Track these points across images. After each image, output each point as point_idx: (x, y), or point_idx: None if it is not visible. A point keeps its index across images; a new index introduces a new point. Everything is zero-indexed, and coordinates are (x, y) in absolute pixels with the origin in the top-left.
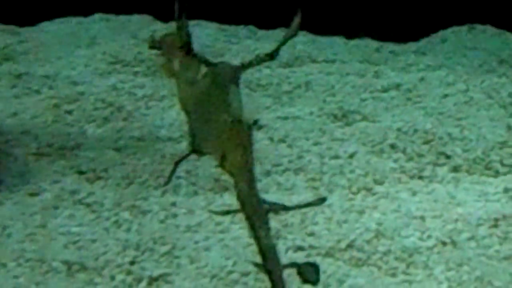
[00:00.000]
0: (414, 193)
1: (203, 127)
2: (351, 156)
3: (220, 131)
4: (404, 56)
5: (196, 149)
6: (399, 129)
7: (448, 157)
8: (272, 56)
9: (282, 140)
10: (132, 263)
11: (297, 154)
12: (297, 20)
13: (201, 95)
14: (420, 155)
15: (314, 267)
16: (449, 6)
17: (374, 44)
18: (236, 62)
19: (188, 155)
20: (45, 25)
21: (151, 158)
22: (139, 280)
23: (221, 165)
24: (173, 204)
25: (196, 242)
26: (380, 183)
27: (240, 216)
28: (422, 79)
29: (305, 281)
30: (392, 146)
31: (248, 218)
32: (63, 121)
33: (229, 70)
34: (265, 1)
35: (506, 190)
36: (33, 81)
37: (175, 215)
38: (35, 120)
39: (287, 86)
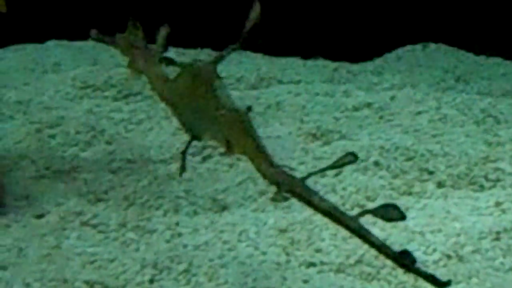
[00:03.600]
0: (407, 209)
1: (197, 120)
2: (338, 174)
3: (219, 123)
4: (363, 76)
5: (196, 137)
6: (381, 147)
7: (431, 173)
8: (241, 45)
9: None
10: (151, 281)
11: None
12: (257, 9)
13: (184, 92)
14: (404, 172)
15: (391, 206)
16: (401, 26)
17: (330, 64)
18: None
19: (190, 143)
20: (0, 52)
21: (147, 179)
22: None
23: (229, 150)
24: (177, 223)
25: (211, 260)
26: (372, 200)
27: (247, 234)
28: (392, 97)
29: (391, 220)
30: (376, 164)
31: (293, 192)
32: (47, 145)
33: (207, 67)
34: (220, 25)
35: (497, 204)
36: (4, 107)
37: (180, 234)
38: (19, 145)
39: (258, 107)
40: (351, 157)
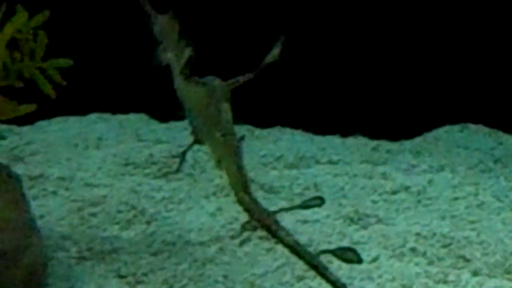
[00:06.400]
0: None
1: (202, 128)
2: (375, 260)
3: (216, 141)
4: (401, 156)
5: (198, 141)
6: (418, 233)
7: (467, 260)
8: (254, 75)
9: (308, 245)
10: None
11: (324, 259)
12: (278, 47)
13: (197, 101)
14: (440, 259)
15: (350, 249)
16: (441, 106)
17: (370, 142)
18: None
19: (192, 145)
20: (44, 125)
21: (187, 262)
22: None
23: (218, 166)
24: None
25: None
26: None
27: None
28: (430, 181)
29: (349, 262)
30: (413, 250)
31: (262, 222)
32: (88, 223)
33: (221, 88)
34: (259, 101)
35: None
36: (48, 183)
37: None
38: (62, 222)
39: (297, 188)
40: (318, 201)
